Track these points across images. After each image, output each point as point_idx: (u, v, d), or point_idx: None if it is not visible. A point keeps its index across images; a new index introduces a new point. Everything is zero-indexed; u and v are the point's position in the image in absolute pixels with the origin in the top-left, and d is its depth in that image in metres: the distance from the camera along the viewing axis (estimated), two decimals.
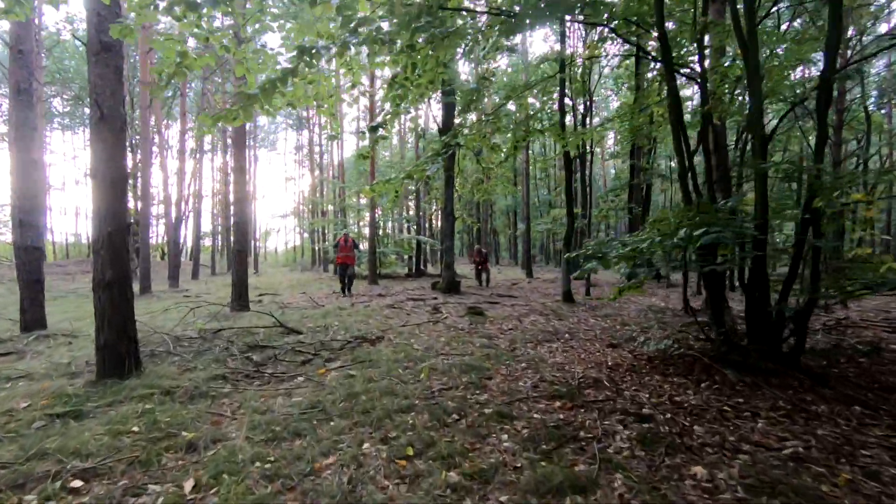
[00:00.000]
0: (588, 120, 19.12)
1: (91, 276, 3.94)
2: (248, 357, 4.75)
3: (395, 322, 7.25)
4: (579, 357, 4.91)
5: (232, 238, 20.81)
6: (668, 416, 3.05)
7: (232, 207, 8.29)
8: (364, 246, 17.02)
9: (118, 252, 3.88)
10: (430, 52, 3.80)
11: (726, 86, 6.06)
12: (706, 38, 5.59)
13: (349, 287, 11.57)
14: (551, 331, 6.43)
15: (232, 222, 8.21)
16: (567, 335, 6.18)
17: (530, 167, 21.47)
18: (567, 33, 11.13)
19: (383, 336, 6.01)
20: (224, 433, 2.90)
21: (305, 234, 40.89)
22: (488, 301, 10.57)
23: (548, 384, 3.84)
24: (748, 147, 10.30)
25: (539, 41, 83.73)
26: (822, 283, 3.88)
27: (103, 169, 3.82)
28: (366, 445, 2.73)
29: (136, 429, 2.90)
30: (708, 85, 5.26)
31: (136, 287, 13.23)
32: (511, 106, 15.32)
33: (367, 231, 19.05)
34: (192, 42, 4.86)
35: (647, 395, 3.49)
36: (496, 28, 3.79)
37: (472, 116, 7.05)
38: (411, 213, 25.93)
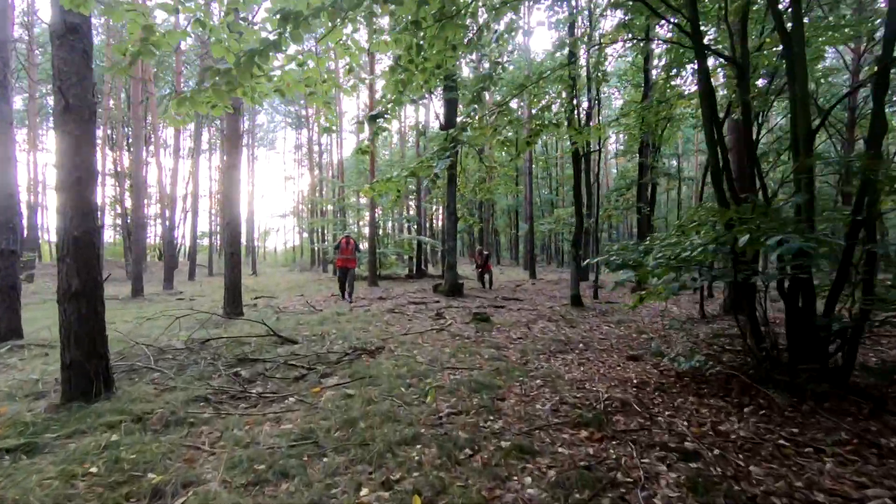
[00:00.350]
0: (597, 115, 18.74)
1: None
2: (235, 373, 4.32)
3: (397, 329, 6.83)
4: (599, 372, 4.48)
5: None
6: (717, 451, 2.62)
7: (222, 208, 7.89)
8: (364, 246, 16.59)
9: (86, 259, 3.45)
10: (438, 32, 3.38)
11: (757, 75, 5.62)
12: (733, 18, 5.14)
13: (350, 292, 10.83)
14: (563, 340, 6.00)
15: (224, 223, 7.82)
16: (581, 345, 5.75)
17: (533, 166, 21.00)
18: (575, 23, 10.67)
19: (384, 346, 5.58)
20: (198, 473, 2.48)
21: (305, 234, 40.49)
22: (493, 305, 10.15)
23: (569, 407, 3.41)
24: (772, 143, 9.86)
25: (539, 37, 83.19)
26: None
27: (69, 165, 3.39)
28: (364, 491, 2.30)
29: (94, 469, 2.48)
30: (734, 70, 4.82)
31: (127, 290, 12.81)
32: (514, 104, 14.91)
33: (366, 231, 18.63)
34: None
35: (686, 423, 3.06)
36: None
37: (478, 110, 6.61)
38: (412, 212, 25.51)
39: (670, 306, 10.01)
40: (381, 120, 4.23)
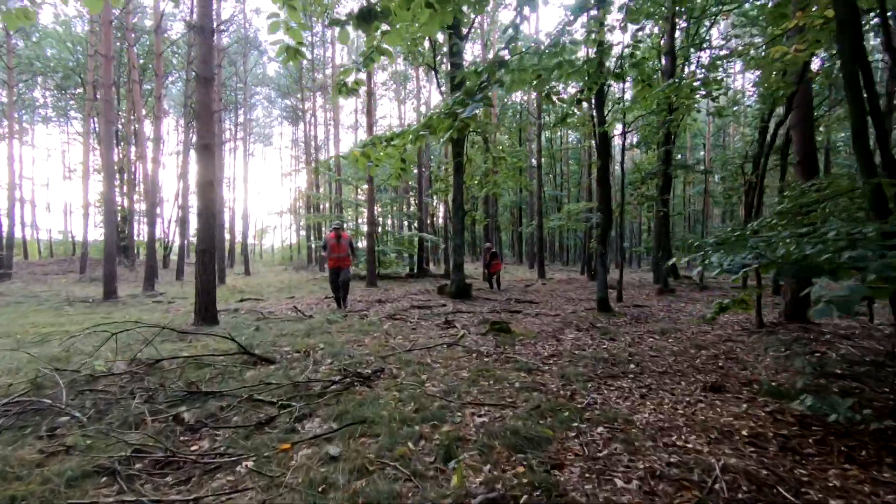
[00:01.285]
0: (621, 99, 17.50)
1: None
2: (176, 415, 3.11)
3: (399, 342, 5.62)
4: (678, 412, 3.28)
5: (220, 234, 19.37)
6: None
7: (197, 196, 6.66)
8: (363, 244, 15.39)
9: None
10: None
11: None
12: None
13: (344, 298, 9.09)
14: (608, 358, 4.80)
15: (198, 212, 6.58)
16: (633, 366, 4.54)
17: (542, 159, 19.79)
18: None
19: (383, 368, 4.38)
20: None
21: (302, 232, 39.25)
22: (507, 309, 8.95)
23: (671, 488, 2.21)
24: None
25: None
26: None
27: None
28: None
29: None
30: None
31: (99, 292, 11.60)
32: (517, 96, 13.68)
33: (365, 228, 17.42)
34: None
35: None
36: None
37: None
38: (412, 209, 24.24)
39: (705, 310, 8.81)
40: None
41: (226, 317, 7.92)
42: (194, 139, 25.32)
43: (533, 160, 22.10)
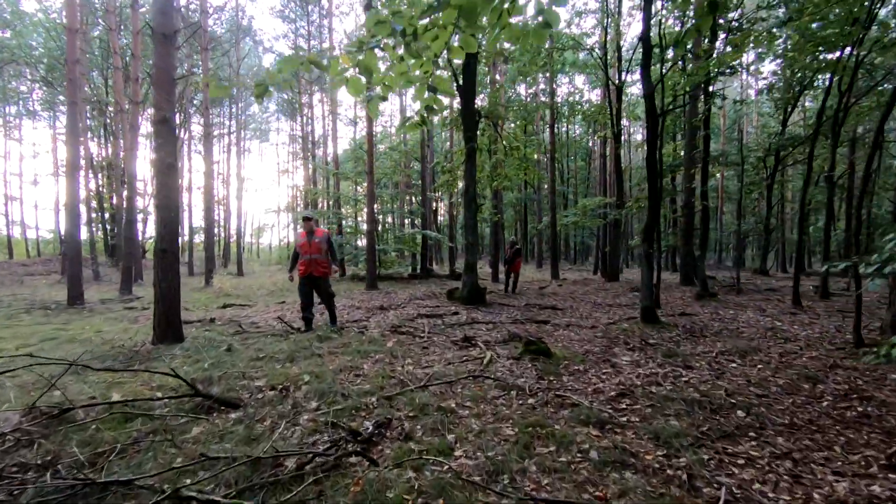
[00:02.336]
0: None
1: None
2: None
3: (408, 370, 4.30)
4: None
5: (209, 232, 18.00)
6: None
7: (154, 184, 5.31)
8: (362, 242, 14.07)
9: None
10: None
11: None
12: None
13: (332, 315, 6.70)
14: (700, 400, 3.47)
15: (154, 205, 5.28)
16: (741, 412, 3.22)
17: (555, 153, 18.39)
18: None
19: (390, 419, 3.06)
20: None
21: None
22: (531, 318, 7.63)
23: None
24: None
25: None
26: None
27: None
28: None
29: None
30: None
31: (62, 296, 10.27)
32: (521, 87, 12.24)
33: (365, 226, 16.07)
34: None
35: None
36: None
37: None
38: (414, 206, 22.85)
39: (777, 323, 7.52)
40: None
41: (197, 330, 6.60)
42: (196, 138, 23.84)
43: (539, 159, 20.79)
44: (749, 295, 10.96)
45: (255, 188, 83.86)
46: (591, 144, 37.61)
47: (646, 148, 6.88)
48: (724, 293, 11.50)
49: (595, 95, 27.44)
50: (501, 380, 3.94)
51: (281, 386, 3.77)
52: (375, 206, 19.94)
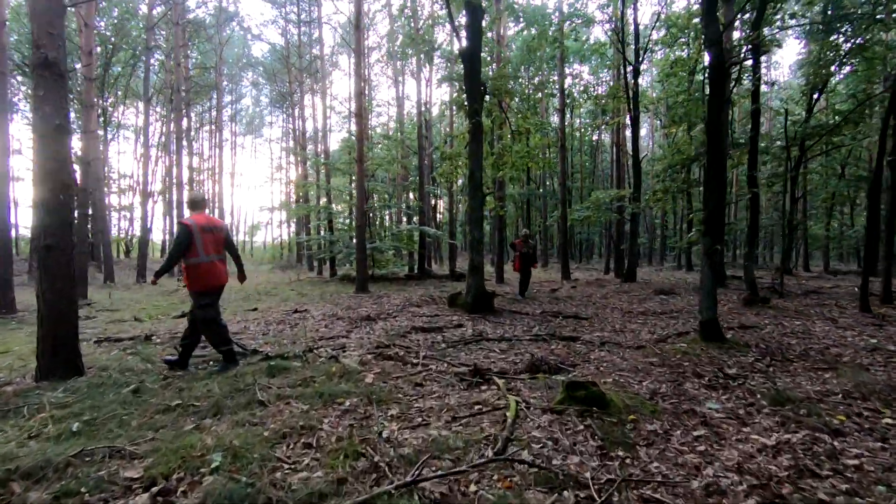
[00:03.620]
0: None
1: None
2: None
3: (389, 435, 2.72)
4: None
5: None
6: None
7: (34, 154, 3.63)
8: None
9: None
10: None
11: None
12: None
13: (228, 355, 4.37)
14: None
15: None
16: None
17: (566, 141, 16.74)
18: None
19: None
20: None
21: (293, 228, 36.26)
22: (554, 334, 6.04)
23: None
24: None
25: None
26: None
27: None
28: None
29: None
30: None
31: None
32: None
33: (359, 222, 14.44)
34: None
35: None
36: None
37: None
38: (412, 202, 21.19)
39: (861, 335, 5.99)
40: None
41: (119, 353, 5.03)
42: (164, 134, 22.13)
43: (544, 152, 19.15)
44: (797, 299, 9.40)
45: (249, 185, 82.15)
46: (595, 138, 36.07)
47: (706, 111, 5.29)
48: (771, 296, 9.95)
49: (603, 87, 25.84)
50: (543, 463, 2.36)
51: (168, 479, 2.19)
52: (374, 200, 18.37)
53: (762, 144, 15.51)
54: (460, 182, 33.43)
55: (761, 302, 8.14)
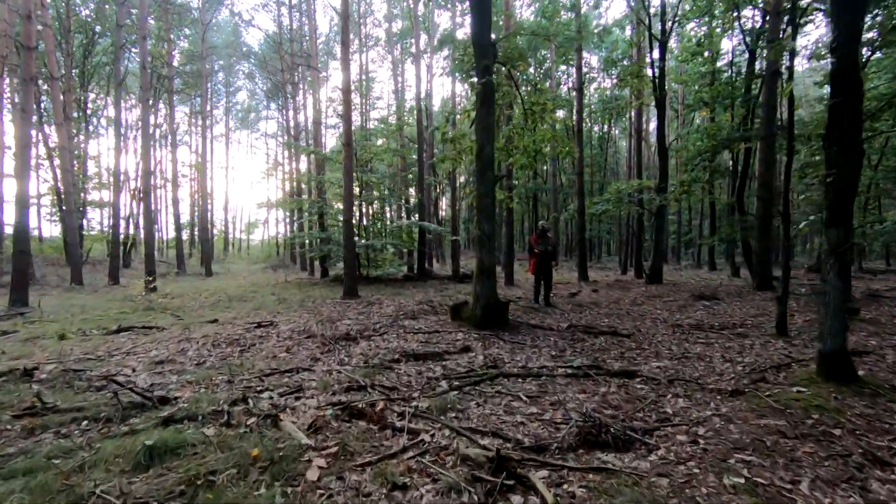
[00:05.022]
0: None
1: None
2: None
3: None
4: None
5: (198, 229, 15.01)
6: None
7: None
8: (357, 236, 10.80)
9: None
10: None
11: None
12: None
13: None
14: None
15: None
16: None
17: (583, 123, 14.89)
18: None
19: None
20: None
21: (294, 226, 34.60)
22: (595, 361, 4.36)
23: None
24: None
25: None
26: None
27: None
28: None
29: None
30: None
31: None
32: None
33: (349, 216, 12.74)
34: None
35: None
36: None
37: None
38: (412, 200, 19.44)
39: None
40: None
41: None
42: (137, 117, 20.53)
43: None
44: (882, 306, 7.69)
45: (246, 182, 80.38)
46: (605, 128, 34.28)
47: (831, 60, 3.57)
48: (866, 300, 8.22)
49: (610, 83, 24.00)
50: None
51: None
52: (369, 194, 16.67)
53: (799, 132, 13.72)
54: (462, 179, 31.65)
55: (849, 313, 6.42)
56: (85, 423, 3.00)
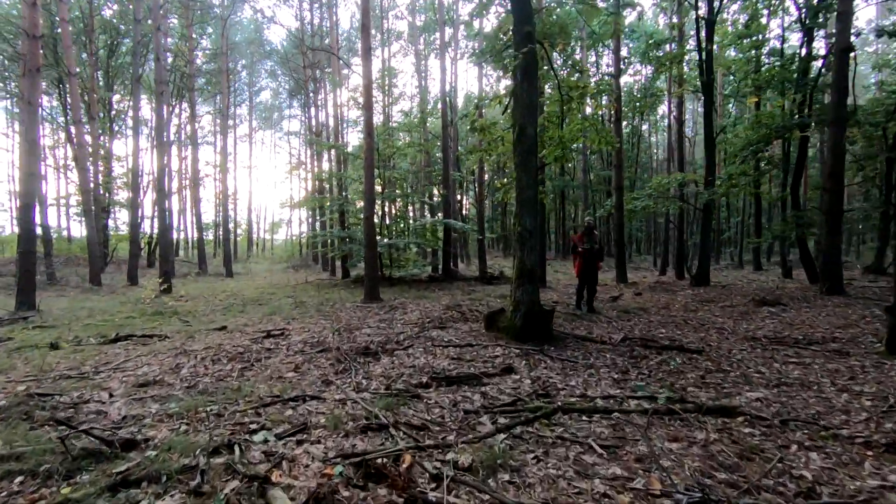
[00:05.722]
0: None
1: None
2: None
3: None
4: None
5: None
6: None
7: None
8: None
9: None
10: None
11: None
12: None
13: None
14: None
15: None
16: None
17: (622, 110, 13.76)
18: None
19: None
20: None
21: (314, 225, 34.28)
22: (679, 395, 3.44)
23: None
24: None
25: None
26: None
27: None
28: None
29: None
30: None
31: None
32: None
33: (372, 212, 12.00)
34: None
35: None
36: None
37: None
38: (436, 198, 18.58)
39: None
40: None
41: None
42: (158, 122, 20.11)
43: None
44: None
45: (270, 182, 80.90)
46: (635, 122, 32.78)
47: None
48: None
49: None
50: None
51: None
52: (392, 190, 15.94)
53: (858, 118, 12.33)
54: (487, 177, 30.54)
55: None
56: (19, 479, 2.27)
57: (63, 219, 30.96)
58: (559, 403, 3.29)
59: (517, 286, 5.14)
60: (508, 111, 9.07)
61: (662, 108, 31.90)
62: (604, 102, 10.77)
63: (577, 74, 9.86)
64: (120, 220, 26.73)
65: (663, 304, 8.85)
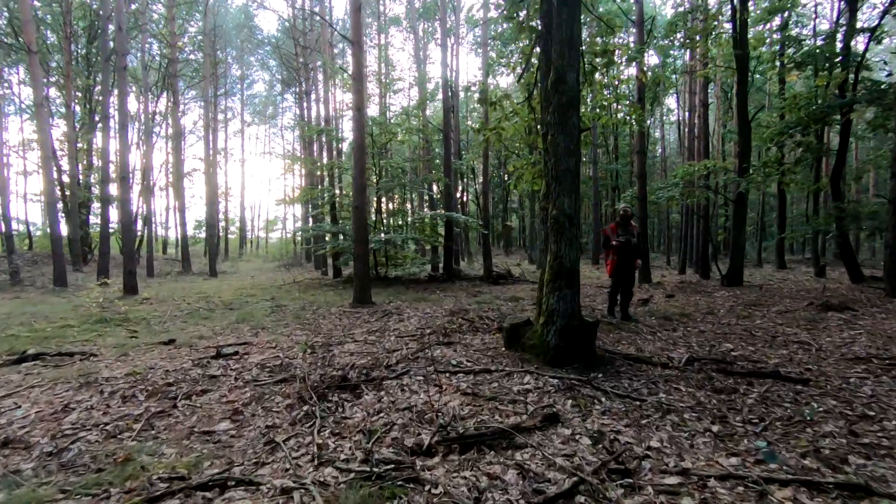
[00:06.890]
0: None
1: None
2: None
3: None
4: None
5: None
6: None
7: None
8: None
9: None
10: None
11: None
12: None
13: None
14: None
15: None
16: None
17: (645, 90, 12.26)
18: None
19: None
20: None
21: (307, 221, 32.80)
22: (827, 463, 2.05)
23: None
24: None
25: None
26: None
27: None
28: None
29: None
30: None
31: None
32: None
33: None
34: None
35: None
36: None
37: None
38: (436, 187, 17.16)
39: None
40: None
41: None
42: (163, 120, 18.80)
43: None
44: None
45: (265, 179, 79.19)
46: (650, 107, 31.25)
47: None
48: None
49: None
50: None
51: None
52: (386, 179, 14.45)
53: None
54: (495, 166, 29.07)
55: None
56: None
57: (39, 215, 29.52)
58: (650, 490, 1.94)
59: (551, 291, 3.76)
60: (522, 80, 7.72)
61: (669, 101, 30.49)
62: (632, 72, 9.39)
63: (599, 38, 8.44)
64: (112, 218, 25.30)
65: (704, 308, 7.49)
